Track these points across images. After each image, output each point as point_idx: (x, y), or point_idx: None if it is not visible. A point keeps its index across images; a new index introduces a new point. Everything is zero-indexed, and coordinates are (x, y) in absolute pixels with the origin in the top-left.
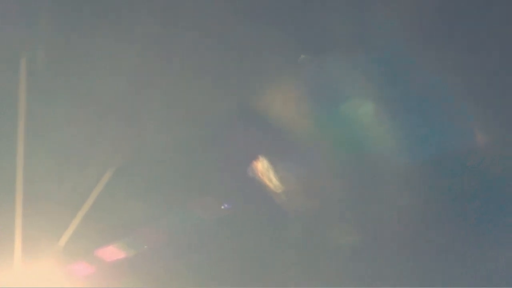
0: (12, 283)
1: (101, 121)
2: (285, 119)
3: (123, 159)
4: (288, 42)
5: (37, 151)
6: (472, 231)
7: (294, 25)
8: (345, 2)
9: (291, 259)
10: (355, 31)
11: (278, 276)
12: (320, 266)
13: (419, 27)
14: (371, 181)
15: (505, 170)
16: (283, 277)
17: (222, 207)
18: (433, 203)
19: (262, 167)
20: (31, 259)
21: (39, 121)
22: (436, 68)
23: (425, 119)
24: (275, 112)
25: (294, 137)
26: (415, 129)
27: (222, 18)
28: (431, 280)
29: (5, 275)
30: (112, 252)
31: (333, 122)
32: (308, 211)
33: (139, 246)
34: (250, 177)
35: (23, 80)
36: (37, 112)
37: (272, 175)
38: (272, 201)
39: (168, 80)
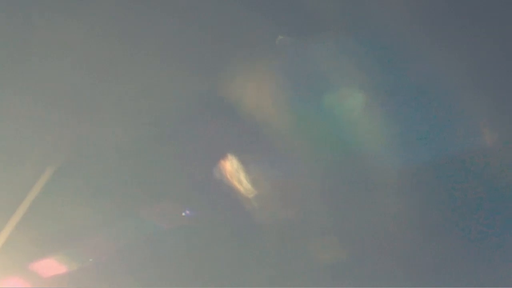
0: None
1: (40, 113)
2: (259, 111)
3: (65, 157)
4: (262, 19)
5: None
6: (467, 240)
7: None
8: None
9: (262, 276)
10: (345, 8)
11: None
12: (296, 284)
13: (420, 8)
14: (359, 186)
15: (502, 172)
16: None
17: (183, 214)
18: (428, 210)
19: (231, 167)
20: None
21: None
22: (435, 57)
23: (421, 115)
24: (247, 103)
25: (270, 132)
26: (410, 127)
27: None
28: None
29: None
30: (50, 266)
31: (316, 117)
32: (285, 220)
33: (83, 259)
34: (217, 179)
35: None
36: None
37: (242, 177)
38: (242, 208)
39: (120, 68)
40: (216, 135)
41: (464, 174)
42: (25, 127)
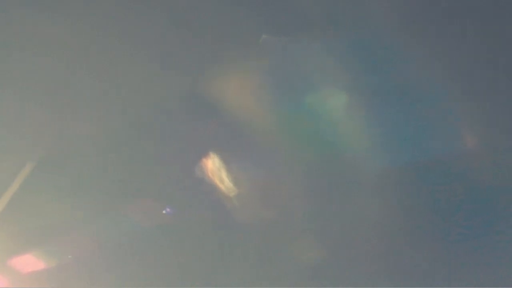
0: None
1: (19, 105)
2: (242, 109)
3: (45, 151)
4: (246, 17)
5: None
6: (451, 242)
7: None
8: None
9: (244, 277)
10: (331, 6)
11: None
12: (278, 284)
13: (407, 5)
14: (343, 186)
15: (486, 174)
16: None
17: (164, 211)
18: (413, 211)
19: (212, 165)
20: None
21: None
22: (426, 54)
23: (407, 116)
24: (231, 101)
25: (253, 131)
26: (395, 127)
27: None
28: None
29: None
30: (30, 262)
31: (300, 116)
32: (267, 220)
33: (62, 256)
34: (198, 178)
35: None
36: None
37: (224, 175)
38: (223, 207)
39: (102, 64)
40: (198, 133)
41: (449, 176)
42: (4, 121)
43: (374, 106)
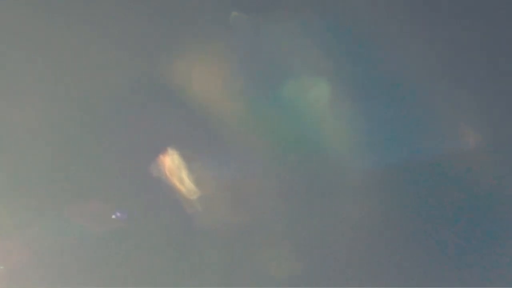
0: None
1: None
2: (206, 99)
3: None
4: None
5: None
6: (436, 243)
7: None
8: None
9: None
10: None
11: None
12: None
13: None
14: (319, 188)
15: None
16: None
17: (113, 216)
18: (394, 212)
19: (171, 163)
20: None
21: None
22: (414, 40)
23: (394, 112)
24: (193, 89)
25: (218, 124)
26: (380, 125)
27: None
28: None
29: None
30: None
31: (273, 108)
32: (233, 226)
33: None
34: (154, 178)
35: None
36: None
37: (184, 174)
38: (182, 211)
39: (44, 51)
40: (154, 125)
41: (432, 176)
42: None
43: (360, 99)
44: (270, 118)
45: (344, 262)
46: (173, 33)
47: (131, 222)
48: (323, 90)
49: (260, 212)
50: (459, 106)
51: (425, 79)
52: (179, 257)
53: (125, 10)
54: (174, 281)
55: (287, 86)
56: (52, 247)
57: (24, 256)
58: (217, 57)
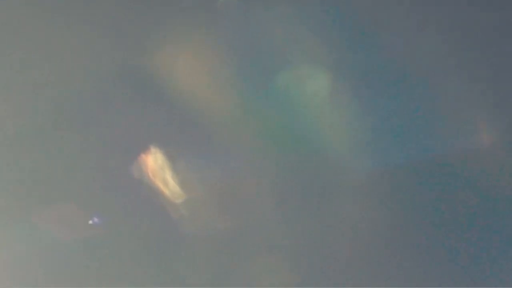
0: None
1: None
2: (192, 92)
3: None
4: None
5: None
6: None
7: None
8: None
9: None
10: None
11: None
12: None
13: None
14: (314, 190)
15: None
16: None
17: (90, 222)
18: (400, 218)
19: (153, 163)
20: None
21: None
22: (422, 33)
23: (401, 104)
24: (177, 81)
25: (205, 121)
26: (385, 118)
27: None
28: None
29: None
30: None
31: (266, 103)
32: (223, 232)
33: None
34: (134, 179)
35: None
36: None
37: (168, 176)
38: (167, 216)
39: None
40: (134, 121)
41: (437, 176)
42: None
43: (360, 92)
44: (263, 114)
45: (345, 267)
46: (154, 20)
47: (109, 229)
48: (322, 83)
49: (252, 218)
50: (468, 102)
51: (433, 74)
52: (163, 267)
53: None
54: None
55: (282, 78)
56: (20, 256)
57: None
58: (203, 45)
